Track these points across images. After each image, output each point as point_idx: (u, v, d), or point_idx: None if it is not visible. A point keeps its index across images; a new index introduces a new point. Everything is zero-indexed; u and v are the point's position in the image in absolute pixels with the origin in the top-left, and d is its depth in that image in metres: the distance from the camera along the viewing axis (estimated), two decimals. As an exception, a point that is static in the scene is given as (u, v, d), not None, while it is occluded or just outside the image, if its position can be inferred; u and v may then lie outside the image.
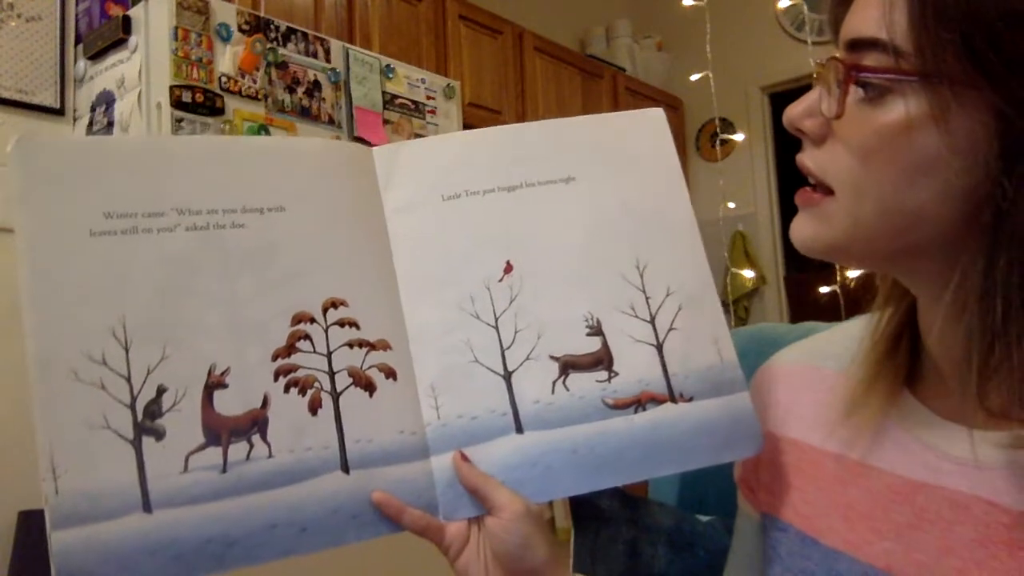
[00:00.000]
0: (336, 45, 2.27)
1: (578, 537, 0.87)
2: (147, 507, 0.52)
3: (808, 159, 0.51)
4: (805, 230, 0.52)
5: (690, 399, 0.63)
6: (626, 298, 0.64)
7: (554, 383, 0.62)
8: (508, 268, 0.64)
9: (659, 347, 0.64)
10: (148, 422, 0.53)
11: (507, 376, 0.62)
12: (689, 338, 0.64)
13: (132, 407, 0.53)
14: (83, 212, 0.55)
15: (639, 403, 0.62)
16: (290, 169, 0.62)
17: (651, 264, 0.65)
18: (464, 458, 0.59)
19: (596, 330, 0.64)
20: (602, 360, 0.63)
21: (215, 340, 0.56)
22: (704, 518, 0.85)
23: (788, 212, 3.98)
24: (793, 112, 0.51)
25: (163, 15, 1.90)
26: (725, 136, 4.05)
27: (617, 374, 0.63)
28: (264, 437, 0.56)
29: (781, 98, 4.14)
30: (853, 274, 0.58)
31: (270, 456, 0.55)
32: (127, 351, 0.54)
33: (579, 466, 0.60)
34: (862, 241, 0.49)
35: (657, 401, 0.62)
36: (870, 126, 0.46)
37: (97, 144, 0.59)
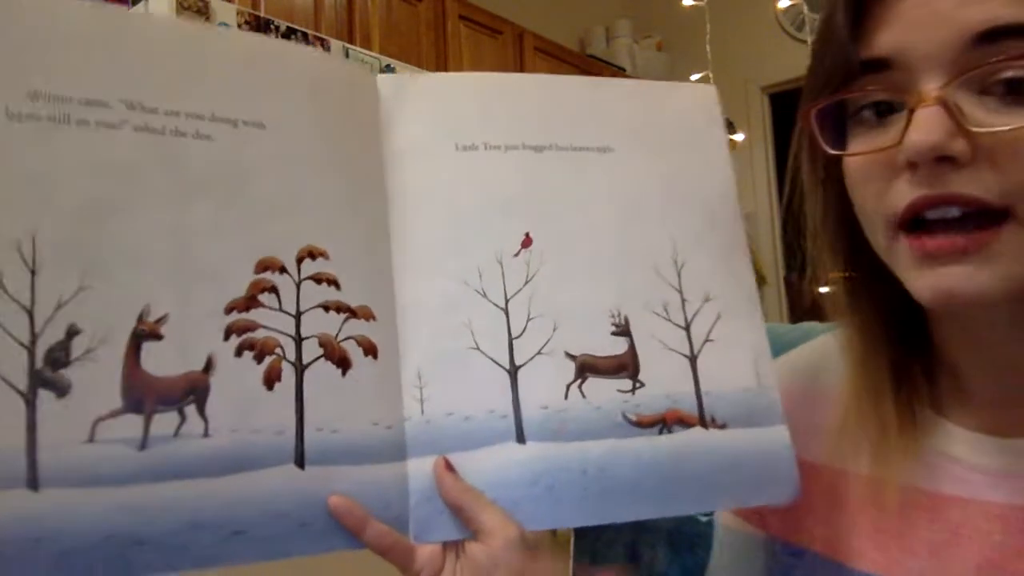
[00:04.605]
0: (336, 45, 2.29)
1: (578, 538, 0.86)
2: (33, 483, 0.39)
3: (971, 186, 0.41)
4: (975, 280, 0.41)
5: (723, 425, 0.53)
6: (659, 297, 0.55)
7: (568, 387, 0.52)
8: (527, 241, 0.54)
9: (693, 359, 0.55)
10: (49, 371, 0.40)
11: (512, 371, 0.51)
12: (727, 353, 0.55)
13: (31, 348, 0.40)
14: (1, 86, 0.42)
15: (664, 423, 0.53)
16: (277, 79, 0.50)
17: (690, 262, 0.56)
18: (449, 466, 0.49)
19: (623, 329, 0.54)
20: (626, 366, 0.53)
21: (153, 277, 0.44)
22: (704, 518, 0.82)
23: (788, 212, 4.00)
24: (935, 138, 0.41)
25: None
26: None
27: (643, 385, 0.53)
28: (201, 410, 0.44)
29: (781, 98, 4.13)
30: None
31: (206, 435, 0.44)
32: (33, 274, 0.41)
33: (586, 491, 0.50)
34: None
35: (685, 423, 0.53)
36: None
37: (36, 2, 0.45)
